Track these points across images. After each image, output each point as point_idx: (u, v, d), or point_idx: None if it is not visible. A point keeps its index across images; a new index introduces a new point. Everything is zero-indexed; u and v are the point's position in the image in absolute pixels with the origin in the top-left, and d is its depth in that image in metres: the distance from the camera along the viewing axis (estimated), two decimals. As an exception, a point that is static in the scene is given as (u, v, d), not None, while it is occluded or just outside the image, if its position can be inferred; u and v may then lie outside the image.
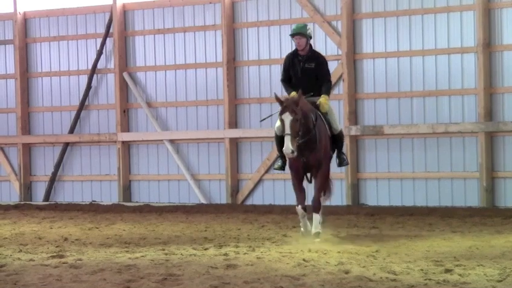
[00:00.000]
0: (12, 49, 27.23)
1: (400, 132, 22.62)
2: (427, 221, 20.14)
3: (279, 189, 24.06)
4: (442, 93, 22.43)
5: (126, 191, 25.64)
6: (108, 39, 25.92)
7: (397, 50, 22.80)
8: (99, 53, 26.03)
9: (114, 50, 25.76)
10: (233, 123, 24.33)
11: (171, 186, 25.44)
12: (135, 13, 25.71)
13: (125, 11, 25.78)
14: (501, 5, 21.65)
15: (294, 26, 17.22)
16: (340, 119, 22.83)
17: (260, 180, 24.25)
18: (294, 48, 17.15)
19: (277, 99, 16.09)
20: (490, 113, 21.68)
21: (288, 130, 15.76)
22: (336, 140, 16.85)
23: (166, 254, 15.70)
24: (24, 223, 21.80)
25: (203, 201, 24.69)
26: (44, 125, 27.10)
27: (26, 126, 27.15)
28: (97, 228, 20.27)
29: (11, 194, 27.19)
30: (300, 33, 16.69)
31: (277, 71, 22.89)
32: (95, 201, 25.99)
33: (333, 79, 23.07)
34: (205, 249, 16.16)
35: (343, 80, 23.10)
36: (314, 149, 16.23)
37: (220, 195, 24.66)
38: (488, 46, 21.67)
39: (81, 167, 26.56)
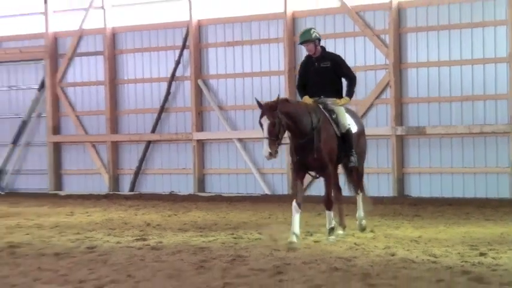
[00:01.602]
0: (102, 60, 27.41)
1: (440, 132, 22.55)
2: (463, 210, 20.05)
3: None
4: (477, 98, 22.33)
5: (201, 183, 25.77)
6: (184, 50, 26.05)
7: (438, 60, 22.73)
8: (177, 63, 26.18)
9: (190, 60, 25.89)
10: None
11: (239, 179, 25.46)
12: (208, 28, 25.84)
13: (199, 26, 25.91)
14: (532, 20, 21.64)
15: (300, 35, 15.91)
16: (387, 121, 22.92)
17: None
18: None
19: (257, 103, 15.05)
20: (520, 115, 21.72)
21: (265, 134, 14.68)
22: (344, 139, 15.41)
23: (235, 238, 15.80)
24: (113, 210, 21.99)
25: (267, 192, 24.71)
26: (129, 125, 27.25)
27: (114, 127, 27.30)
28: (175, 215, 20.40)
29: (101, 185, 27.34)
30: (306, 40, 15.55)
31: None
32: (173, 191, 26.09)
33: (381, 86, 23.24)
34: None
35: (390, 87, 23.08)
36: (312, 150, 14.97)
37: (282, 186, 24.65)
38: (520, 57, 21.68)
39: (161, 162, 26.64)
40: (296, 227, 14.81)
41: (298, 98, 16.57)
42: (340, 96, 15.54)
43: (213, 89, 25.83)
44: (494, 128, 22.02)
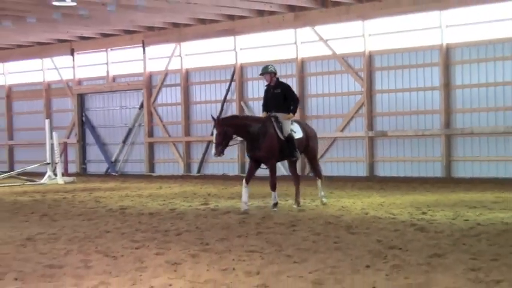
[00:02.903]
0: (180, 89, 27.48)
1: (396, 134, 22.51)
2: (411, 185, 19.86)
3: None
4: (420, 112, 22.24)
5: (243, 167, 25.71)
6: (232, 82, 26.08)
7: (395, 88, 22.68)
8: (227, 90, 26.21)
9: (236, 88, 25.91)
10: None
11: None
12: (248, 68, 25.84)
13: (242, 67, 25.92)
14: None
15: (261, 69, 15.14)
16: (362, 127, 22.74)
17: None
18: None
19: (212, 118, 14.61)
20: None
21: (213, 140, 14.22)
22: (288, 142, 14.53)
23: (265, 203, 15.80)
24: (186, 186, 22.06)
25: (286, 173, 24.70)
26: (197, 131, 27.18)
27: (187, 131, 27.36)
28: (226, 188, 20.40)
29: (179, 169, 27.34)
30: (264, 72, 14.87)
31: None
32: (225, 173, 26.07)
33: (358, 105, 23.10)
34: (286, 201, 16.26)
35: (364, 105, 22.99)
36: (257, 148, 14.33)
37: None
38: None
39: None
40: (244, 196, 14.24)
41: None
42: (288, 112, 14.75)
43: (251, 107, 25.82)
44: (428, 131, 21.88)
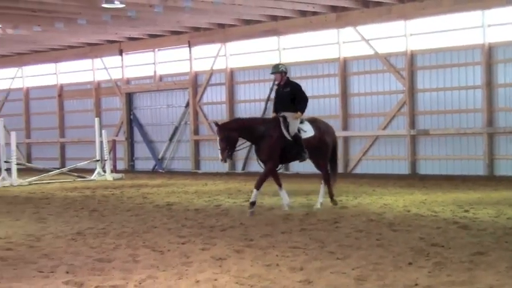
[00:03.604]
0: (225, 88, 27.54)
1: (438, 133, 22.28)
2: (453, 183, 19.62)
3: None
4: (462, 111, 22.00)
5: (287, 165, 25.64)
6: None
7: (437, 87, 22.46)
8: (271, 89, 26.12)
9: (280, 88, 25.85)
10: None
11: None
12: (291, 67, 25.60)
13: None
14: None
15: (272, 68, 14.40)
16: (404, 126, 22.57)
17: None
18: None
19: (214, 124, 14.15)
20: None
21: (218, 146, 13.66)
22: (295, 141, 13.85)
23: (308, 200, 15.73)
24: (231, 183, 22.08)
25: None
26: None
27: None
28: (269, 185, 20.36)
29: (224, 167, 27.41)
30: (274, 71, 14.22)
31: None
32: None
33: (400, 104, 22.93)
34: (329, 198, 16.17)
35: (406, 104, 22.81)
36: (260, 149, 13.75)
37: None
38: None
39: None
40: (284, 199, 14.10)
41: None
42: (296, 111, 14.00)
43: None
44: (470, 130, 21.63)
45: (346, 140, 24.42)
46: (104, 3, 20.61)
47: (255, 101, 26.72)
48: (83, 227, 12.28)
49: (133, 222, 12.69)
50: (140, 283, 7.57)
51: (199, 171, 27.74)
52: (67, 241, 10.68)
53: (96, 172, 25.03)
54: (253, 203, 13.56)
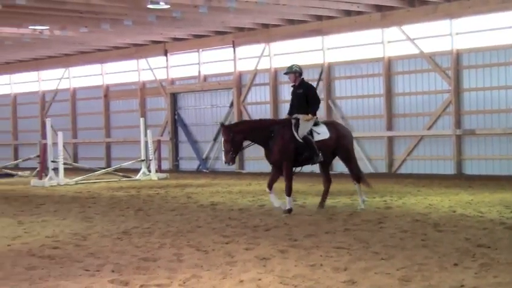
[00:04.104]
0: (269, 88, 27.52)
1: (485, 133, 22.03)
2: (500, 183, 19.35)
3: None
4: (509, 111, 21.78)
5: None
6: (320, 81, 25.96)
7: (483, 86, 22.21)
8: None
9: (324, 87, 25.79)
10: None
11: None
12: (336, 67, 25.72)
13: (329, 66, 25.81)
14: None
15: (286, 68, 14.18)
16: (449, 125, 22.35)
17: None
18: None
19: (221, 125, 13.91)
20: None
21: (222, 147, 13.60)
22: (306, 143, 13.54)
23: (352, 200, 15.68)
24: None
25: (372, 171, 24.47)
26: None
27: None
28: (314, 185, 20.29)
29: (267, 167, 27.34)
30: (287, 72, 13.98)
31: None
32: (313, 171, 25.97)
33: (446, 103, 22.70)
34: (373, 198, 16.15)
35: (452, 104, 22.57)
36: (271, 151, 13.48)
37: (382, 168, 24.44)
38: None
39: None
40: (275, 203, 13.69)
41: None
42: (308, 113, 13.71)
43: (339, 106, 25.68)
44: (520, 130, 21.39)
45: (390, 140, 24.26)
46: (150, 4, 20.79)
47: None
48: (128, 226, 12.39)
49: (177, 222, 12.76)
50: (184, 282, 7.61)
51: (243, 171, 27.77)
52: (113, 240, 10.79)
53: (141, 172, 25.22)
54: (289, 210, 13.47)
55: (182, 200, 16.91)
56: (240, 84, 28.45)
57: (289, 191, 13.59)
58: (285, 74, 14.28)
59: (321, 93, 25.58)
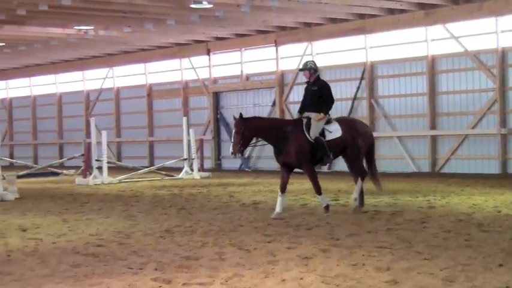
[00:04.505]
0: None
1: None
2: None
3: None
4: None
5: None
6: (362, 80, 25.88)
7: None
8: (358, 88, 26.02)
9: (367, 86, 25.68)
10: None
11: (397, 162, 25.12)
12: (378, 65, 25.59)
13: (372, 65, 25.69)
14: None
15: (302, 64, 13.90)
16: (494, 124, 22.08)
17: (448, 159, 23.70)
18: None
19: (234, 118, 13.36)
20: None
21: (231, 139, 13.25)
22: (318, 144, 13.17)
23: (395, 200, 15.60)
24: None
25: (415, 170, 24.29)
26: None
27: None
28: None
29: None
30: (302, 68, 13.67)
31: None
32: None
33: (490, 102, 22.43)
34: (416, 197, 16.04)
35: (497, 102, 22.29)
36: (283, 151, 13.10)
37: (426, 167, 24.25)
38: None
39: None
40: (278, 207, 13.15)
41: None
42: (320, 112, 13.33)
43: (381, 105, 25.54)
44: None
45: (434, 139, 24.04)
46: (192, 3, 20.90)
47: (341, 100, 26.55)
48: (171, 224, 12.47)
49: (220, 221, 12.81)
50: (226, 281, 7.63)
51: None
52: (156, 238, 10.87)
53: (183, 171, 25.36)
54: (327, 207, 13.36)
55: (224, 199, 16.96)
56: (282, 83, 28.45)
57: (318, 190, 13.40)
58: (300, 70, 13.96)
59: (363, 92, 25.56)
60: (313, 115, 13.33)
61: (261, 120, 13.81)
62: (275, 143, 13.29)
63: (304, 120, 13.34)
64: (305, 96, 13.72)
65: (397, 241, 9.92)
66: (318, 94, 13.42)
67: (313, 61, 13.89)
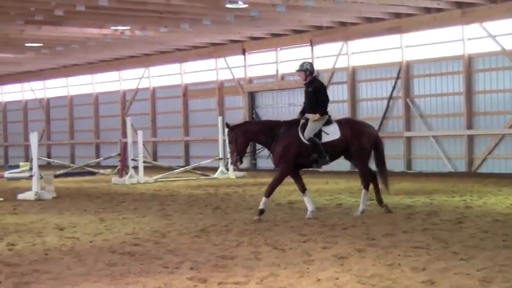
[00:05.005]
0: (347, 86, 27.42)
1: None
2: None
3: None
4: None
5: (409, 163, 25.39)
6: (398, 79, 25.72)
7: None
8: (393, 88, 25.88)
9: (402, 85, 25.53)
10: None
11: (433, 162, 24.93)
12: (414, 65, 25.42)
13: (408, 64, 25.53)
14: None
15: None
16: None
17: None
18: None
19: (226, 125, 13.34)
20: None
21: (228, 149, 13.33)
22: (314, 145, 12.91)
23: (430, 200, 15.49)
24: (352, 181, 21.73)
25: (451, 170, 24.09)
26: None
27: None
28: (392, 184, 20.10)
29: (345, 165, 27.31)
30: (297, 70, 13.32)
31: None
32: (391, 170, 25.77)
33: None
34: (453, 197, 15.92)
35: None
36: (272, 153, 12.94)
37: (463, 167, 24.03)
38: None
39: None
40: (309, 206, 13.09)
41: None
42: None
43: (417, 105, 25.37)
44: None
45: (470, 138, 23.83)
46: (228, 3, 20.95)
47: (377, 99, 26.50)
48: (206, 224, 12.51)
49: (255, 220, 12.80)
50: (262, 280, 7.64)
51: (320, 170, 27.61)
52: (191, 238, 10.91)
53: (219, 170, 25.42)
54: (261, 211, 12.90)
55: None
56: (317, 83, 28.37)
57: (270, 193, 13.03)
58: (296, 71, 13.65)
59: (399, 92, 25.42)
60: (310, 116, 13.14)
61: (251, 124, 13.54)
62: (268, 145, 13.16)
63: (302, 121, 13.15)
64: (305, 98, 13.55)
65: (433, 241, 9.85)
66: (314, 95, 13.21)
67: (309, 62, 13.63)
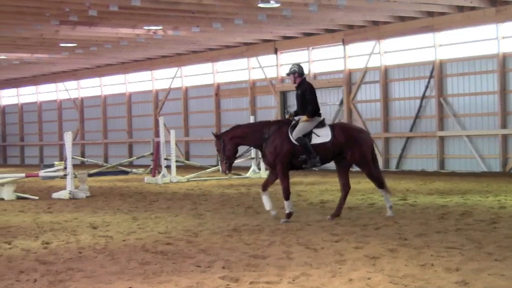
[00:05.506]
0: (379, 86, 27.32)
1: None
2: None
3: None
4: None
5: (441, 163, 25.22)
6: (431, 79, 25.56)
7: None
8: (426, 87, 25.73)
9: (435, 84, 25.37)
10: None
11: (467, 162, 24.73)
12: (448, 64, 25.24)
13: (441, 63, 25.34)
14: None
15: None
16: None
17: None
18: None
19: (213, 134, 13.43)
20: None
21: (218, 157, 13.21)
22: (303, 147, 12.77)
23: (464, 200, 15.37)
24: (388, 181, 21.83)
25: (485, 169, 23.85)
26: (395, 127, 27.00)
27: (386, 127, 27.13)
28: (424, 184, 19.97)
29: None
30: (287, 73, 13.24)
31: None
32: (423, 169, 25.64)
33: None
34: (487, 197, 15.77)
35: None
36: (264, 155, 12.93)
37: (496, 166, 23.78)
38: None
39: (415, 150, 26.27)
40: (266, 205, 13.01)
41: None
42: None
43: (450, 104, 25.20)
44: None
45: (504, 137, 23.61)
46: (260, 3, 20.97)
47: (409, 99, 26.35)
48: (238, 223, 12.53)
49: (292, 220, 12.80)
50: (294, 280, 7.64)
51: (352, 169, 27.54)
52: (223, 237, 10.93)
53: (251, 170, 25.45)
54: (289, 214, 12.78)
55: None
56: (349, 82, 28.32)
57: (286, 195, 12.87)
58: (286, 75, 13.58)
59: (432, 91, 25.26)
60: (299, 118, 13.05)
61: (239, 128, 13.45)
62: (258, 147, 13.14)
63: (293, 122, 13.04)
64: (296, 100, 13.45)
65: (466, 242, 9.77)
66: (302, 97, 13.12)
67: (297, 64, 13.43)
